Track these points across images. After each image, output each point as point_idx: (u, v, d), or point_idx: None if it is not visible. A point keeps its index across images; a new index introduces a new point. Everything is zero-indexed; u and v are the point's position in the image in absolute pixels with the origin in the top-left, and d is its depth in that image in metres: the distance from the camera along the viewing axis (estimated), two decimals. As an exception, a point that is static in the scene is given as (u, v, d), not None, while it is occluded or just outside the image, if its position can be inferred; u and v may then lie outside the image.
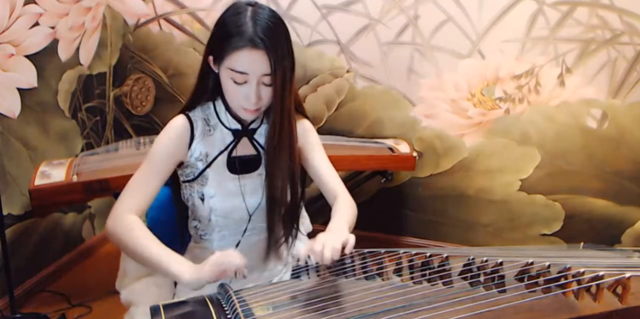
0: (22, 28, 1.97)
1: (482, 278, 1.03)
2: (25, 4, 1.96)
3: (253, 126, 1.24)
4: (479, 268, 1.05)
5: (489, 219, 2.42)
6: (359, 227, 1.24)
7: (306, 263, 1.07)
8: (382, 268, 1.08)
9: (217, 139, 1.21)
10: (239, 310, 0.92)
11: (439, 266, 1.06)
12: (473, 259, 1.06)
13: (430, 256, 1.08)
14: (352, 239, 1.03)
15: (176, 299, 1.02)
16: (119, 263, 1.35)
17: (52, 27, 2.12)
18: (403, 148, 2.24)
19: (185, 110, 1.21)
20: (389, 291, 0.99)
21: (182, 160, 1.20)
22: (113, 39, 2.53)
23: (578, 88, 2.15)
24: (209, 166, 1.21)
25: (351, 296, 0.99)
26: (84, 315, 2.03)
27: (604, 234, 2.27)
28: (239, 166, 1.22)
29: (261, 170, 1.24)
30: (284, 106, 1.14)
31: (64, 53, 2.21)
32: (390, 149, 2.21)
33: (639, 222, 2.24)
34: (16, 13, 1.93)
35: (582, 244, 1.72)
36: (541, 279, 0.99)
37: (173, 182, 1.29)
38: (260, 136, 1.24)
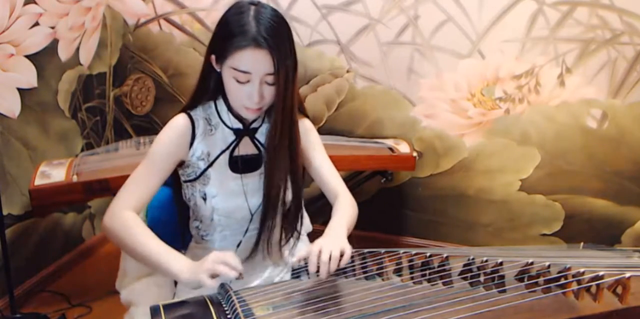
0: (22, 28, 1.97)
1: (482, 278, 1.03)
2: (25, 4, 1.96)
3: (254, 125, 1.24)
4: (479, 268, 1.05)
5: (489, 219, 2.42)
6: (359, 227, 1.24)
7: (305, 263, 1.07)
8: (382, 268, 1.08)
9: (219, 138, 1.21)
10: (239, 310, 0.92)
11: (439, 266, 1.06)
12: (473, 259, 1.07)
13: (430, 256, 1.08)
14: (348, 250, 1.03)
15: (176, 299, 1.02)
16: (119, 263, 1.35)
17: (52, 27, 2.12)
18: (403, 148, 2.24)
19: (187, 109, 1.21)
20: (389, 291, 0.99)
21: (182, 159, 1.20)
22: (113, 39, 2.53)
23: (578, 88, 2.15)
24: (210, 165, 1.20)
25: (351, 296, 0.99)
26: (84, 315, 2.03)
27: (604, 234, 2.27)
28: (240, 165, 1.22)
29: (263, 169, 1.24)
30: (285, 105, 1.14)
31: (64, 53, 2.21)
32: (390, 149, 2.21)
33: (639, 222, 2.24)
34: (16, 13, 1.93)
35: (582, 244, 1.72)
36: (541, 279, 0.99)
37: (174, 182, 1.29)
38: (262, 136, 1.24)
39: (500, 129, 2.28)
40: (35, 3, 2.01)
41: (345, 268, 1.06)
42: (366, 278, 1.06)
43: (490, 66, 2.22)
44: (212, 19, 2.43)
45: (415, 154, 2.21)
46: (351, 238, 1.11)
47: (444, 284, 1.03)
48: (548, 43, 2.13)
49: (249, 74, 1.08)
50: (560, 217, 2.32)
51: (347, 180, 2.28)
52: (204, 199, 1.22)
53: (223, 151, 1.21)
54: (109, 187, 1.73)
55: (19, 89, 1.99)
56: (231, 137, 1.22)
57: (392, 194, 2.49)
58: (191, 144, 1.19)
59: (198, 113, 1.20)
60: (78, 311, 2.04)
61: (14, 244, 1.99)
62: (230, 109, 1.20)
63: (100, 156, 2.05)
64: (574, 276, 0.98)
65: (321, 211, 2.43)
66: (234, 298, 0.96)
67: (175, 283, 1.30)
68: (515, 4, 2.11)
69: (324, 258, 0.98)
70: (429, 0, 2.19)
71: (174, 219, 1.35)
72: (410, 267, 1.09)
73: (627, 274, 0.96)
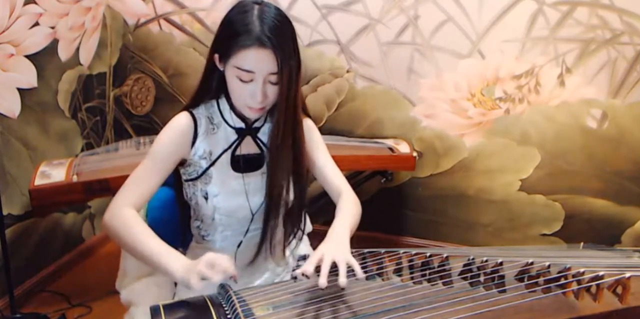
0: (22, 28, 1.97)
1: (482, 278, 1.03)
2: (25, 4, 1.96)
3: (257, 124, 1.24)
4: (479, 268, 1.05)
5: (489, 219, 2.42)
6: (359, 227, 1.23)
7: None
8: (382, 268, 1.08)
9: (221, 137, 1.21)
10: (239, 310, 0.92)
11: (439, 266, 1.06)
12: (473, 259, 1.07)
13: (430, 256, 1.08)
14: (354, 264, 1.00)
15: (176, 299, 1.02)
16: (119, 263, 1.35)
17: (52, 27, 2.12)
18: (403, 148, 2.24)
19: (189, 107, 1.21)
20: (389, 291, 0.99)
21: (184, 158, 1.20)
22: (113, 39, 2.53)
23: (578, 88, 2.15)
24: (212, 164, 1.20)
25: (351, 296, 0.99)
26: (84, 315, 2.03)
27: (604, 234, 2.27)
28: (242, 164, 1.22)
29: (265, 169, 1.24)
30: (288, 104, 1.14)
31: (64, 53, 2.21)
32: (390, 149, 2.21)
33: (639, 222, 2.24)
34: (16, 13, 1.93)
35: (582, 244, 1.72)
36: (541, 279, 0.99)
37: (175, 182, 1.29)
38: (264, 135, 1.24)
39: (500, 129, 2.28)
40: (35, 3, 2.01)
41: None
42: (366, 278, 1.05)
43: (490, 66, 2.22)
44: (212, 19, 2.43)
45: (415, 154, 2.21)
46: (351, 238, 1.11)
47: (444, 284, 1.03)
48: (548, 43, 2.13)
49: (252, 73, 1.08)
50: (560, 217, 2.32)
51: (347, 180, 2.28)
52: (206, 198, 1.21)
53: (225, 150, 1.21)
54: (109, 187, 1.73)
55: (19, 89, 1.99)
56: (233, 136, 1.22)
57: (392, 194, 2.49)
58: (193, 142, 1.19)
59: (200, 112, 1.20)
60: (78, 311, 2.04)
61: (14, 244, 1.99)
62: (232, 108, 1.20)
63: (100, 156, 2.05)
64: (574, 276, 0.98)
65: (321, 211, 2.43)
66: (234, 298, 0.96)
67: (176, 283, 1.30)
68: (515, 4, 2.11)
69: (323, 270, 0.97)
70: (429, 0, 2.19)
71: (175, 219, 1.35)
72: (410, 267, 1.09)
73: (627, 274, 0.96)
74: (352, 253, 1.04)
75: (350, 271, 1.01)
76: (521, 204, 2.34)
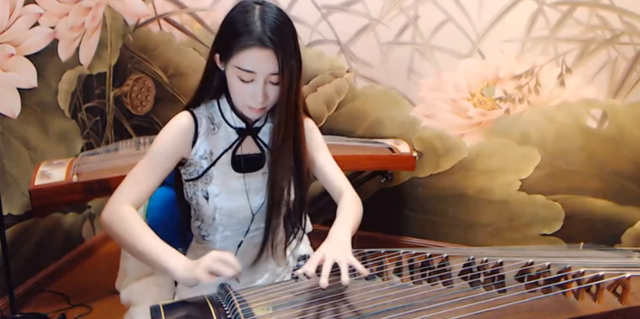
0: (22, 28, 1.97)
1: (482, 278, 1.04)
2: (25, 4, 1.96)
3: (257, 124, 1.24)
4: (479, 268, 1.05)
5: (489, 219, 2.42)
6: (359, 227, 1.23)
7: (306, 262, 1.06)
8: (382, 268, 1.08)
9: (222, 137, 1.21)
10: (239, 310, 0.92)
11: (439, 266, 1.06)
12: (473, 259, 1.07)
13: (430, 256, 1.08)
14: (356, 264, 1.00)
15: (176, 299, 1.02)
16: (119, 263, 1.35)
17: (52, 27, 2.12)
18: (403, 148, 2.24)
19: (190, 107, 1.21)
20: (389, 291, 0.99)
21: (184, 157, 1.20)
22: (113, 39, 2.53)
23: (578, 88, 2.15)
24: (213, 164, 1.20)
25: (351, 296, 0.99)
26: (84, 315, 2.03)
27: (604, 234, 2.27)
28: (243, 164, 1.22)
29: (265, 169, 1.24)
30: (289, 105, 1.14)
31: (64, 53, 2.21)
32: (390, 149, 2.21)
33: (639, 222, 2.24)
34: (16, 13, 1.93)
35: (582, 244, 1.72)
36: (541, 279, 0.99)
37: (176, 182, 1.29)
38: (264, 135, 1.24)
39: (500, 129, 2.28)
40: (35, 3, 2.01)
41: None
42: (366, 278, 1.05)
43: (490, 66, 2.22)
44: (212, 19, 2.43)
45: (415, 154, 2.21)
46: (351, 238, 1.10)
47: (444, 284, 1.03)
48: (548, 43, 2.13)
49: (253, 74, 1.08)
50: (560, 217, 2.32)
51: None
52: (206, 198, 1.21)
53: (226, 150, 1.21)
54: (109, 187, 1.73)
55: (19, 89, 1.99)
56: (234, 136, 1.22)
57: (392, 194, 2.49)
58: (194, 142, 1.19)
59: (201, 112, 1.20)
60: (78, 311, 2.04)
61: (14, 244, 1.99)
62: (233, 108, 1.20)
63: (100, 156, 2.05)
64: (574, 276, 0.98)
65: (321, 211, 2.43)
66: (234, 298, 0.96)
67: (176, 282, 1.30)
68: (515, 4, 2.11)
69: (325, 270, 0.97)
70: (429, 0, 2.19)
71: (174, 219, 1.35)
72: (410, 267, 1.09)
73: (627, 274, 0.96)
74: (352, 253, 1.05)
75: (351, 271, 1.01)
76: (521, 204, 2.34)
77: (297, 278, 1.04)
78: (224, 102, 1.21)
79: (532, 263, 1.03)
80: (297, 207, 1.26)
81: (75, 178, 1.77)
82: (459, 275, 1.05)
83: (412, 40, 2.26)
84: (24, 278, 2.11)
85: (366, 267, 1.07)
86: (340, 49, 2.34)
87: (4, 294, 1.92)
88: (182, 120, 1.18)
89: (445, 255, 1.07)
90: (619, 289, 0.97)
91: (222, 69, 1.14)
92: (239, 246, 1.27)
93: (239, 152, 1.22)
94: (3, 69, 1.91)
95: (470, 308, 0.92)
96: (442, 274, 1.04)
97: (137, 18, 2.53)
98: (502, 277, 1.02)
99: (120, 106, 2.67)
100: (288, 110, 1.14)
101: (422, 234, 2.53)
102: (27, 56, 2.01)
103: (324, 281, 0.95)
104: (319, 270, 0.99)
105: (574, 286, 0.97)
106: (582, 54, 2.11)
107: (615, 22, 2.04)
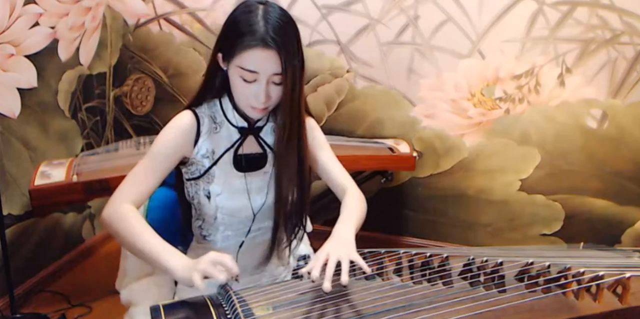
0: (22, 28, 1.97)
1: (482, 278, 1.03)
2: (25, 4, 1.96)
3: (259, 124, 1.24)
4: (479, 268, 1.05)
5: (489, 219, 2.42)
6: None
7: (306, 262, 1.06)
8: (382, 268, 1.08)
9: (224, 136, 1.21)
10: (239, 310, 0.92)
11: (439, 266, 1.06)
12: (473, 259, 1.07)
13: (430, 256, 1.08)
14: (359, 260, 1.00)
15: (176, 299, 1.02)
16: (119, 263, 1.35)
17: (52, 27, 2.12)
18: (403, 148, 2.24)
19: (192, 106, 1.21)
20: (389, 291, 0.99)
21: (186, 156, 1.20)
22: (113, 39, 2.53)
23: (578, 88, 2.15)
24: (215, 163, 1.20)
25: (351, 296, 0.99)
26: (84, 315, 2.03)
27: (604, 234, 2.27)
28: (244, 164, 1.22)
29: (267, 168, 1.24)
30: (293, 105, 1.14)
31: (64, 53, 2.21)
32: (390, 149, 2.21)
33: (639, 222, 2.24)
34: (16, 13, 1.93)
35: (582, 244, 1.72)
36: (541, 279, 0.99)
37: (177, 181, 1.29)
38: (266, 134, 1.24)
39: (500, 129, 2.28)
40: (35, 3, 2.01)
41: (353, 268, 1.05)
42: (366, 278, 1.06)
43: (490, 66, 2.22)
44: (212, 19, 2.43)
45: (415, 154, 2.21)
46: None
47: (444, 284, 1.03)
48: (548, 43, 2.13)
49: (256, 74, 1.08)
50: (560, 217, 2.32)
51: (347, 180, 2.28)
52: (208, 197, 1.21)
53: (227, 149, 1.21)
54: (109, 187, 1.73)
55: (19, 89, 1.99)
56: (236, 135, 1.22)
57: (392, 194, 2.49)
58: (196, 141, 1.19)
59: (203, 111, 1.20)
60: (78, 311, 2.04)
61: (14, 244, 1.99)
62: (235, 107, 1.20)
63: (100, 156, 2.05)
64: (574, 276, 0.98)
65: (321, 211, 2.44)
66: (234, 298, 0.96)
67: (176, 282, 1.30)
68: (515, 4, 2.11)
69: (328, 273, 0.97)
70: (429, 0, 2.19)
71: (175, 219, 1.35)
72: (410, 267, 1.09)
73: (627, 274, 0.96)
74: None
75: (352, 271, 1.01)
76: (521, 204, 2.34)
77: (300, 276, 1.04)
78: (226, 101, 1.21)
79: (532, 263, 1.03)
80: (299, 207, 1.26)
81: (75, 178, 1.77)
82: (459, 275, 1.05)
83: (412, 40, 2.26)
84: (24, 278, 2.11)
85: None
86: (340, 49, 2.34)
87: (4, 294, 1.92)
88: (183, 119, 1.18)
89: (445, 255, 1.07)
90: (619, 289, 0.97)
91: (225, 68, 1.14)
92: (240, 246, 1.27)
93: (240, 151, 1.22)
94: (3, 69, 1.91)
95: (470, 308, 0.92)
96: (442, 274, 1.04)
97: (137, 18, 2.53)
98: (502, 277, 1.02)
99: (120, 106, 2.67)
100: (292, 110, 1.14)
101: (422, 234, 2.53)
102: (27, 56, 2.01)
103: (327, 285, 0.95)
104: (322, 269, 0.99)
105: (574, 286, 0.97)
106: (582, 54, 2.11)
107: (615, 22, 2.04)
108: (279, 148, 1.19)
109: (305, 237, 1.42)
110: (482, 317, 0.91)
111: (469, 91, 2.27)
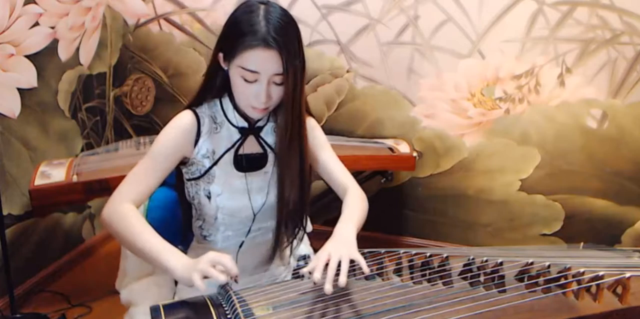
0: (22, 28, 1.97)
1: (482, 278, 1.03)
2: (25, 4, 1.96)
3: (260, 124, 1.24)
4: (479, 268, 1.05)
5: (489, 219, 2.42)
6: (359, 227, 1.23)
7: (306, 262, 1.06)
8: (382, 268, 1.08)
9: (224, 136, 1.21)
10: (239, 310, 0.92)
11: (439, 266, 1.06)
12: (473, 259, 1.07)
13: (430, 256, 1.08)
14: (361, 260, 1.01)
15: (176, 299, 1.02)
16: (119, 263, 1.35)
17: (52, 27, 2.12)
18: (403, 148, 2.24)
19: (192, 106, 1.20)
20: (389, 291, 0.99)
21: (186, 156, 1.20)
22: (113, 39, 2.53)
23: (578, 88, 2.15)
24: (215, 163, 1.20)
25: (351, 296, 0.99)
26: (84, 315, 2.03)
27: (604, 234, 2.27)
28: (245, 164, 1.22)
29: (268, 168, 1.24)
30: (295, 105, 1.13)
31: (64, 53, 2.21)
32: (390, 149, 2.21)
33: (639, 222, 2.24)
34: (16, 13, 1.93)
35: (582, 244, 1.72)
36: (541, 279, 0.99)
37: (177, 181, 1.29)
38: (267, 134, 1.24)
39: (500, 129, 2.28)
40: (35, 3, 2.01)
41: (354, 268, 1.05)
42: (366, 278, 1.05)
43: (490, 66, 2.22)
44: (212, 19, 2.43)
45: (415, 154, 2.21)
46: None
47: (444, 284, 1.03)
48: (548, 43, 2.13)
49: (257, 74, 1.08)
50: (560, 217, 2.32)
51: (347, 180, 2.28)
52: (209, 197, 1.21)
53: (228, 149, 1.21)
54: (109, 187, 1.73)
55: (19, 89, 1.99)
56: (236, 135, 1.22)
57: (392, 194, 2.49)
58: (196, 141, 1.19)
59: (203, 111, 1.20)
60: (78, 311, 2.04)
61: (14, 244, 1.99)
62: (236, 107, 1.20)
63: (100, 156, 2.05)
64: (574, 276, 0.98)
65: (321, 211, 2.44)
66: (234, 298, 0.96)
67: (176, 282, 1.30)
68: (515, 4, 2.11)
69: (329, 274, 0.97)
70: (429, 0, 2.19)
71: (175, 219, 1.35)
72: (410, 267, 1.09)
73: (627, 274, 0.96)
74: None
75: (352, 270, 1.01)
76: (521, 204, 2.34)
77: (302, 276, 1.04)
78: (226, 101, 1.21)
79: (532, 263, 1.03)
80: (299, 207, 1.26)
81: (75, 178, 1.77)
82: (459, 275, 1.05)
83: (412, 40, 2.26)
84: (24, 278, 2.11)
85: (366, 267, 1.08)
86: (340, 49, 2.34)
87: (4, 294, 1.92)
88: (184, 120, 1.18)
89: (445, 255, 1.07)
90: (619, 289, 0.97)
91: (226, 68, 1.14)
92: (240, 246, 1.27)
93: (241, 151, 1.22)
94: (3, 69, 1.91)
95: (470, 308, 0.92)
96: (442, 274, 1.04)
97: (137, 18, 2.53)
98: (502, 277, 1.02)
99: (120, 106, 2.67)
100: (294, 110, 1.14)
101: (422, 234, 2.53)
102: (27, 56, 2.01)
103: (328, 287, 0.95)
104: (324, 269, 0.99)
105: (574, 286, 0.97)
106: (582, 54, 2.11)
107: (615, 22, 2.04)
108: (281, 149, 1.19)
109: (305, 237, 1.42)
110: (482, 317, 0.91)
111: (469, 91, 2.27)
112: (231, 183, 1.21)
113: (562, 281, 1.00)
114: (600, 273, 0.96)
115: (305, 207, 1.28)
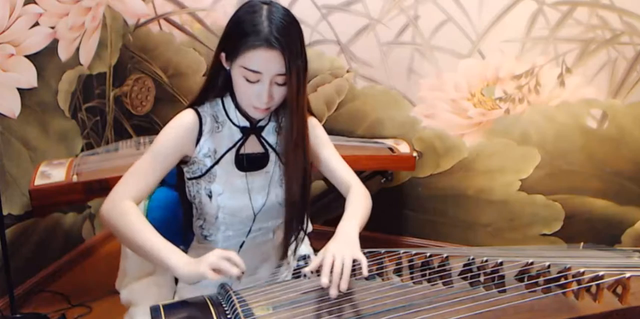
0: (22, 28, 1.97)
1: (482, 278, 1.03)
2: (25, 4, 1.96)
3: (261, 123, 1.24)
4: (479, 268, 1.05)
5: (489, 219, 2.42)
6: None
7: (306, 262, 1.07)
8: (382, 268, 1.08)
9: (226, 136, 1.21)
10: (239, 310, 0.92)
11: (439, 266, 1.06)
12: (473, 259, 1.07)
13: (430, 256, 1.08)
14: (363, 260, 1.01)
15: (176, 299, 1.02)
16: (119, 263, 1.35)
17: (52, 27, 2.12)
18: (403, 148, 2.24)
19: (194, 105, 1.20)
20: (389, 291, 0.99)
21: (187, 155, 1.20)
22: (113, 39, 2.53)
23: (578, 88, 2.15)
24: (217, 162, 1.20)
25: (351, 296, 0.99)
26: (84, 315, 2.03)
27: (604, 234, 2.27)
28: (246, 163, 1.22)
29: (268, 168, 1.24)
30: (298, 105, 1.13)
31: (64, 53, 2.21)
32: (390, 149, 2.21)
33: (639, 222, 2.24)
34: (16, 13, 1.93)
35: (582, 244, 1.72)
36: (541, 279, 0.99)
37: (178, 180, 1.29)
38: (268, 134, 1.24)
39: (500, 129, 2.28)
40: (35, 3, 2.01)
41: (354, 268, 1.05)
42: (366, 278, 1.05)
43: (490, 66, 2.22)
44: (212, 19, 2.43)
45: (415, 154, 2.21)
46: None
47: (444, 284, 1.03)
48: (548, 43, 2.13)
49: (259, 74, 1.08)
50: (560, 217, 2.32)
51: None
52: (210, 196, 1.21)
53: (229, 149, 1.21)
54: (109, 187, 1.71)
55: (19, 89, 1.99)
56: (238, 135, 1.22)
57: (392, 194, 2.49)
58: (198, 140, 1.19)
59: (205, 110, 1.20)
60: (78, 311, 2.04)
61: (14, 244, 1.99)
62: (237, 106, 1.20)
63: (100, 156, 2.05)
64: (574, 276, 0.98)
65: (321, 211, 2.44)
66: (234, 297, 0.96)
67: (176, 282, 1.30)
68: (515, 4, 2.11)
69: (335, 278, 0.97)
70: (429, 0, 2.19)
71: (176, 219, 1.35)
72: (410, 267, 1.09)
73: (627, 274, 0.96)
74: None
75: (353, 270, 1.01)
76: (521, 204, 2.34)
77: (304, 275, 1.04)
78: (228, 100, 1.21)
79: (532, 263, 1.03)
80: (301, 206, 1.26)
81: (75, 178, 1.77)
82: (459, 275, 1.05)
83: (412, 40, 2.26)
84: (24, 278, 2.11)
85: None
86: (340, 49, 2.34)
87: (4, 294, 1.92)
88: (186, 118, 1.18)
89: (445, 255, 1.07)
90: (619, 289, 0.97)
91: (228, 68, 1.14)
92: (241, 246, 1.27)
93: (242, 151, 1.22)
94: (3, 69, 1.91)
95: (470, 308, 0.92)
96: (442, 274, 1.04)
97: (137, 18, 2.53)
98: (502, 277, 1.02)
99: (120, 106, 2.67)
100: (297, 110, 1.14)
101: (422, 234, 2.53)
102: (27, 56, 2.01)
103: (333, 292, 0.95)
104: (318, 270, 0.99)
105: (574, 286, 0.97)
106: (582, 54, 2.11)
107: (615, 22, 2.04)
108: (286, 150, 1.19)
109: (306, 237, 1.42)
110: (482, 317, 0.91)
111: (469, 91, 2.27)
112: (232, 183, 1.21)
113: (562, 281, 1.00)
114: (600, 273, 0.96)
115: (306, 207, 1.28)
